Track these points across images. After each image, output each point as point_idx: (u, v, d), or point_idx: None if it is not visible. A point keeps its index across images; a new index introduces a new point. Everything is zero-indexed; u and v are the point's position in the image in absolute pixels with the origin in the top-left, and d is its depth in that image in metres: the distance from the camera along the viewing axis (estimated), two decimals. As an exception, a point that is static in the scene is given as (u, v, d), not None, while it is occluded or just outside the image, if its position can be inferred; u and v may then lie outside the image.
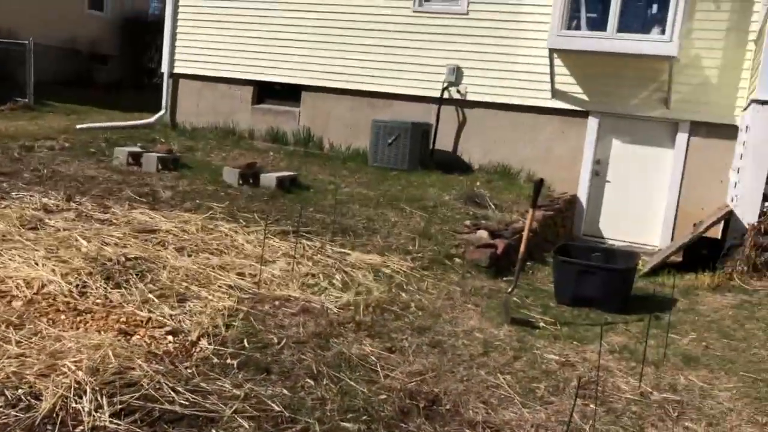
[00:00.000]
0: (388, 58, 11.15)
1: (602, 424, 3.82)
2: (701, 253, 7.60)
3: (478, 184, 9.66)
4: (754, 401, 4.33)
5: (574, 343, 5.13)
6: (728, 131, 9.12)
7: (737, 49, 9.12)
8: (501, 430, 3.64)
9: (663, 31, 8.97)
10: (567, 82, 10.07)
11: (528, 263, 7.16)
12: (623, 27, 9.23)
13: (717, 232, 8.00)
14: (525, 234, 5.76)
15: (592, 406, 4.02)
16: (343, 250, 6.45)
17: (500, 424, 3.71)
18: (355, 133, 11.36)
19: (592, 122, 10.00)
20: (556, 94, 10.10)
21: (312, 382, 3.85)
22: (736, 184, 7.88)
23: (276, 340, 4.36)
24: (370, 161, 10.61)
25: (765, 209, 7.32)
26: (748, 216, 7.41)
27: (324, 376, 3.95)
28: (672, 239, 9.30)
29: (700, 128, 9.40)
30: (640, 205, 9.81)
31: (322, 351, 4.31)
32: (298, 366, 4.04)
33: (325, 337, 4.52)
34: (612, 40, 9.22)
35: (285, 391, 3.69)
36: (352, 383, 3.92)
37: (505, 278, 6.51)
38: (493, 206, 8.51)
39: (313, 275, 5.68)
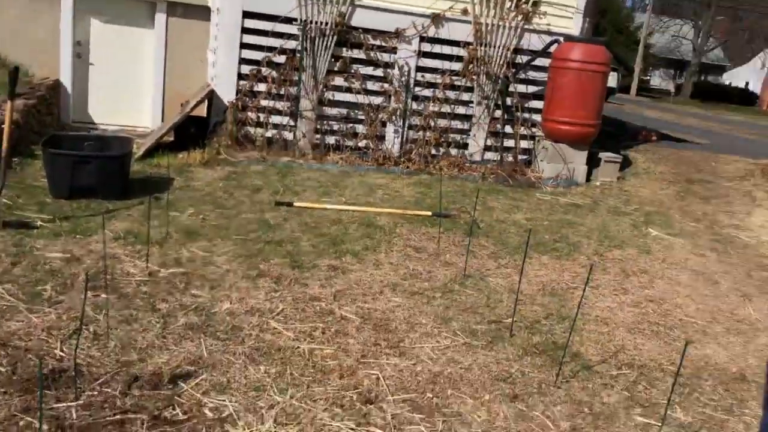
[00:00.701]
0: None
1: (116, 310, 3.94)
2: (190, 132, 8.06)
3: (-65, 71, 8.17)
4: (246, 260, 5.01)
5: (78, 236, 5.03)
6: (203, 12, 9.57)
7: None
8: (8, 343, 3.45)
9: None
10: (31, -48, 9.02)
11: (15, 159, 6.55)
12: None
13: (203, 111, 8.55)
14: (6, 128, 5.22)
15: (103, 295, 4.09)
16: None
17: (6, 336, 3.50)
18: None
19: (67, 1, 9.29)
20: (19, -35, 8.99)
21: None
22: (214, 64, 8.46)
23: None
24: None
25: (241, 87, 8.11)
26: (228, 94, 8.10)
27: None
28: (162, 120, 9.58)
29: (176, 9, 9.63)
30: (129, 87, 9.74)
31: None
32: None
33: None
34: None
35: None
36: None
37: (-12, 179, 5.85)
38: (-41, 98, 7.37)
39: None
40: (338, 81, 8.28)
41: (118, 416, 3.00)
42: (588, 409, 3.60)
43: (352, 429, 3.15)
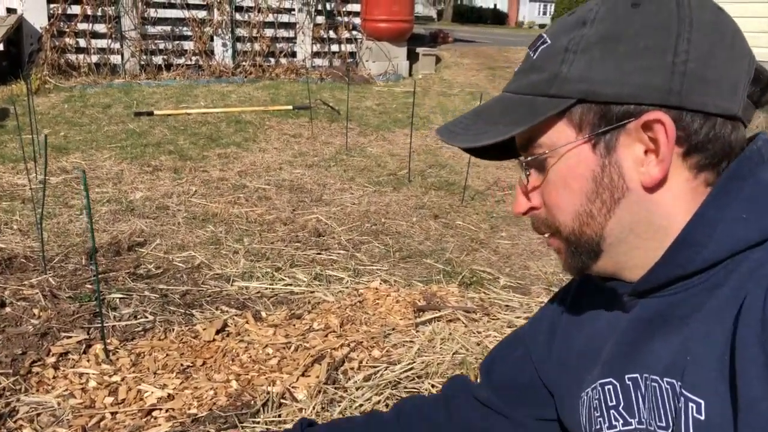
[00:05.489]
0: None
1: (28, 209, 3.82)
2: (1, 65, 7.38)
3: None
4: (133, 160, 4.97)
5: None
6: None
7: None
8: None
9: None
10: None
11: None
12: None
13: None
14: None
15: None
16: None
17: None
18: None
19: None
20: None
21: None
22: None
23: None
24: None
25: (52, 11, 7.53)
26: (39, 20, 7.50)
27: None
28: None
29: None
30: None
31: None
32: None
33: None
34: None
35: None
36: None
37: None
38: None
39: None
40: (159, -3, 8.02)
41: (100, 275, 3.05)
42: (496, 215, 4.25)
43: (318, 254, 3.48)
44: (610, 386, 0.76)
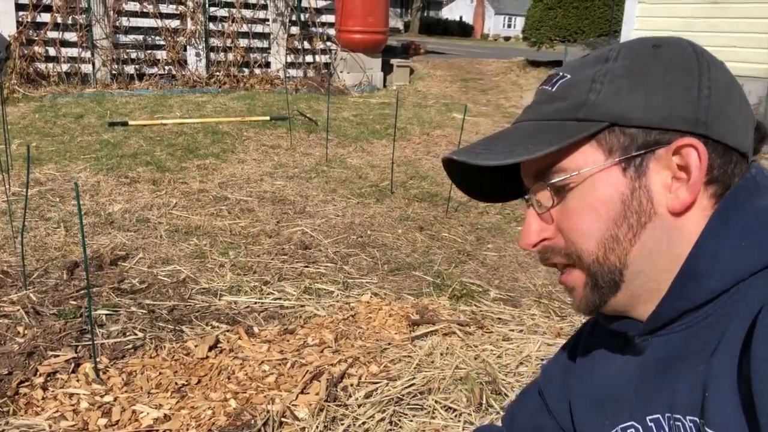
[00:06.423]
0: None
1: (2, 222, 3.70)
2: (-32, 74, 7.17)
3: None
4: (109, 172, 4.86)
5: None
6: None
7: None
8: None
9: None
10: None
11: None
12: None
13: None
14: None
15: (-15, 210, 3.79)
16: None
17: None
18: None
19: None
20: None
21: None
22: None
23: None
24: None
25: (21, 18, 7.36)
26: (8, 27, 7.32)
27: None
28: None
29: None
30: None
31: None
32: None
33: None
34: None
35: None
36: None
37: None
38: None
39: None
40: (131, 6, 7.89)
41: (81, 292, 2.96)
42: (481, 226, 4.25)
43: (306, 266, 3.43)
44: (632, 430, 0.75)
